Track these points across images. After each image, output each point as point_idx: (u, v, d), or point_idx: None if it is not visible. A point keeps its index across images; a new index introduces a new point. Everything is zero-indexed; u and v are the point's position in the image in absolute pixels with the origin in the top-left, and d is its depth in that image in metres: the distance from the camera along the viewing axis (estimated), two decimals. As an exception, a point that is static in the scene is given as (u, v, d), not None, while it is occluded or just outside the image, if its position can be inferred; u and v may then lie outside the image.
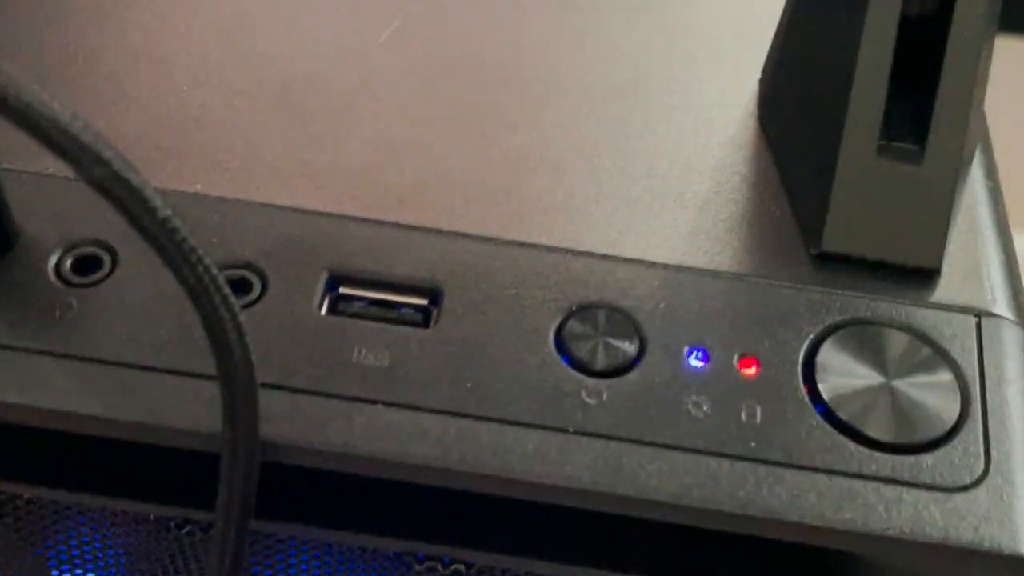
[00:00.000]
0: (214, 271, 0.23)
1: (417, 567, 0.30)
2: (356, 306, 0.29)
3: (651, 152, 0.33)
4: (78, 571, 0.32)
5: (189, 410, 0.27)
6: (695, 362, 0.28)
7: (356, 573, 0.31)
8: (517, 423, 0.27)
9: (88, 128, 0.22)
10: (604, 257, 0.30)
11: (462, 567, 0.30)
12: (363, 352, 0.28)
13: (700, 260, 0.31)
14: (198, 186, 0.31)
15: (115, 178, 0.22)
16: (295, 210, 0.31)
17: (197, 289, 0.23)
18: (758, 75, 0.36)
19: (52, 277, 0.29)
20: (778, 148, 0.34)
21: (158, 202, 0.22)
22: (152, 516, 0.30)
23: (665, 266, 0.30)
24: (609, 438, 0.27)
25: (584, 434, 0.27)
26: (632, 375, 0.28)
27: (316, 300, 0.29)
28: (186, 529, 0.30)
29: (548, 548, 0.30)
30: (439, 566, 0.30)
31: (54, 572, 0.32)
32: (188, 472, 0.30)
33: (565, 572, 0.30)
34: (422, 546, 0.30)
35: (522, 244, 0.30)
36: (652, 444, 0.27)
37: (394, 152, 0.32)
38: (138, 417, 0.26)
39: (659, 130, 0.34)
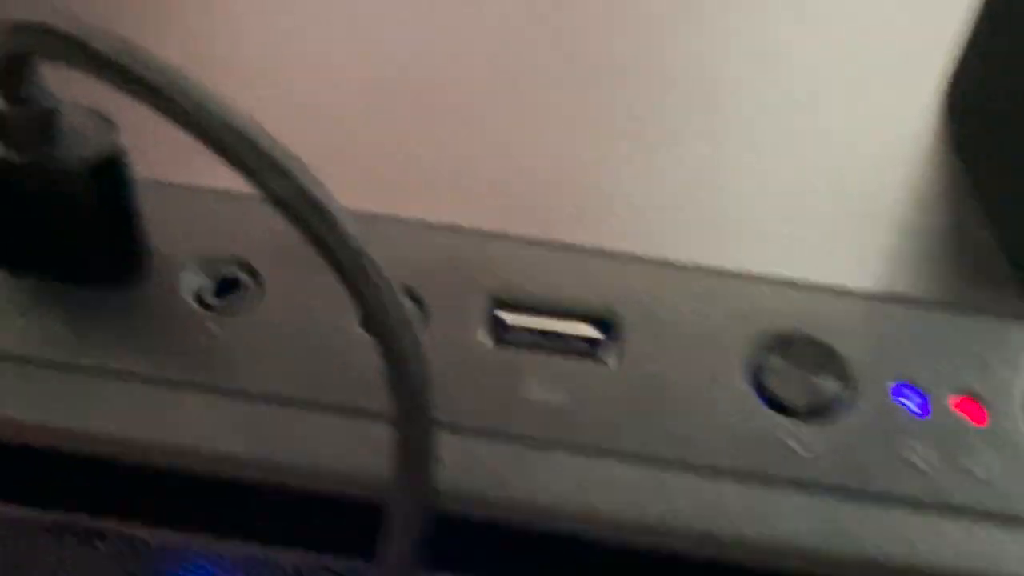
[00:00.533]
0: (404, 305, 0.20)
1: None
2: (523, 336, 0.26)
3: (836, 168, 0.30)
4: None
5: (350, 451, 0.24)
6: (909, 403, 0.25)
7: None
8: (717, 471, 0.24)
9: (270, 138, 0.19)
10: (796, 283, 0.27)
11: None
12: (536, 388, 0.25)
13: (902, 286, 0.28)
14: (343, 201, 0.28)
15: (300, 194, 0.19)
16: (450, 228, 0.28)
17: (384, 325, 0.20)
18: (941, 83, 0.33)
19: (190, 300, 0.26)
20: (975, 168, 0.30)
21: (349, 226, 0.19)
22: (294, 567, 0.27)
23: (865, 294, 0.27)
24: (822, 491, 0.24)
25: (794, 485, 0.24)
26: (839, 417, 0.25)
27: (479, 329, 0.26)
28: (327, 580, 0.27)
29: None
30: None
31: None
32: (324, 519, 0.27)
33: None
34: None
35: (702, 268, 0.27)
36: (872, 499, 0.24)
37: (554, 166, 0.29)
38: (292, 459, 0.24)
39: (843, 143, 0.31)
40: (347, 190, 0.29)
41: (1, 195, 0.24)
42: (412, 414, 0.21)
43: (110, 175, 0.24)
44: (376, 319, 0.20)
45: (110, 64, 0.20)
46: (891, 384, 0.25)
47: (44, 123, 0.23)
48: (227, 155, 0.19)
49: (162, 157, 0.28)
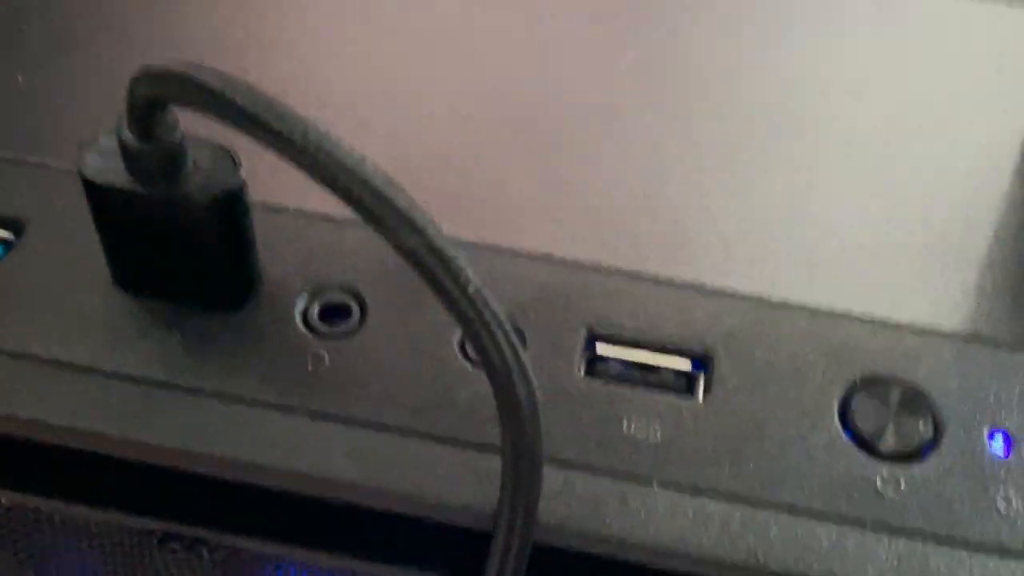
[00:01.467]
0: (519, 350, 0.21)
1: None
2: (619, 369, 0.27)
3: (925, 203, 0.30)
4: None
5: (455, 481, 0.25)
6: (998, 451, 0.26)
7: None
8: (808, 512, 0.25)
9: (399, 190, 0.20)
10: (887, 323, 0.28)
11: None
12: (632, 424, 0.26)
13: (993, 329, 0.28)
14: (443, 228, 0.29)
15: (429, 248, 0.20)
16: (546, 259, 0.28)
17: (501, 369, 0.21)
18: (1029, 118, 0.33)
19: (301, 326, 0.27)
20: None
21: (471, 275, 0.20)
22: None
23: (956, 335, 0.27)
24: (911, 535, 0.24)
25: (883, 529, 0.24)
26: (929, 461, 0.25)
27: (577, 361, 0.27)
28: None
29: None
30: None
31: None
32: (426, 545, 0.28)
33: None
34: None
35: (796, 306, 0.28)
36: (962, 545, 0.24)
37: (647, 196, 0.30)
38: (403, 487, 0.25)
39: (929, 177, 0.31)
40: (445, 220, 0.30)
41: (128, 223, 0.25)
42: (522, 450, 0.22)
43: (231, 209, 0.25)
44: (496, 367, 0.21)
45: (246, 115, 0.21)
46: (985, 430, 0.26)
47: (172, 159, 0.24)
48: (362, 210, 0.20)
49: (277, 181, 0.30)
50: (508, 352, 0.21)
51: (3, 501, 0.29)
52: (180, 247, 0.25)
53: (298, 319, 0.27)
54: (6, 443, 0.28)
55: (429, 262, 0.20)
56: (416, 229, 0.20)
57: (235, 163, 0.25)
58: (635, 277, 0.28)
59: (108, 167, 0.24)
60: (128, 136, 0.23)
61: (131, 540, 0.29)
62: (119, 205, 0.24)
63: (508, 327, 0.21)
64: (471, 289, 0.20)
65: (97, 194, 0.24)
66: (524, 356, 0.21)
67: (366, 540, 0.28)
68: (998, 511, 0.25)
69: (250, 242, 0.26)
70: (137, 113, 0.23)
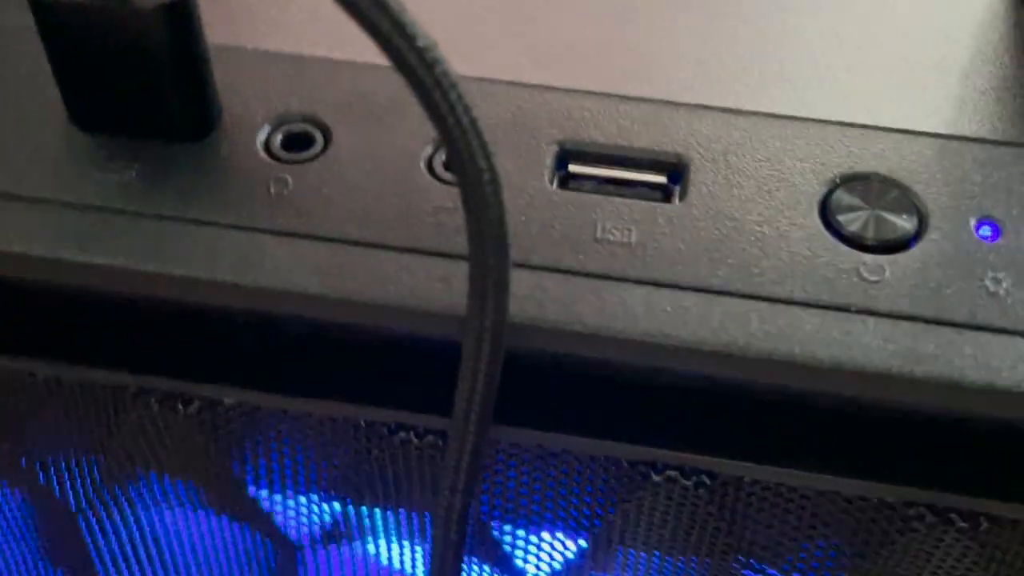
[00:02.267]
0: (478, 120, 0.20)
1: (655, 477, 0.27)
2: (591, 184, 0.26)
3: (902, 18, 0.30)
4: (276, 484, 0.30)
5: (425, 289, 0.24)
6: (985, 236, 0.25)
7: (588, 484, 0.28)
8: (790, 301, 0.24)
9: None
10: (866, 127, 0.27)
11: (706, 478, 0.27)
12: (606, 228, 0.25)
13: (974, 129, 0.27)
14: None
15: (399, 28, 0.19)
16: (516, 84, 0.28)
17: (455, 133, 0.20)
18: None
19: (262, 154, 0.26)
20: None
21: (419, 29, 0.20)
22: (361, 421, 0.28)
23: (936, 135, 0.27)
24: (898, 318, 0.24)
25: (869, 313, 0.24)
26: (915, 250, 0.25)
27: (548, 177, 0.26)
28: (400, 436, 0.28)
29: (802, 455, 0.27)
30: (680, 477, 0.27)
31: (250, 484, 0.30)
32: (403, 373, 0.27)
33: (819, 482, 0.27)
34: (660, 453, 0.27)
35: (769, 115, 0.27)
36: (950, 324, 0.23)
37: (615, 25, 0.29)
38: (375, 296, 0.24)
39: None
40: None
41: (80, 45, 0.25)
42: (488, 238, 0.22)
43: (181, 19, 0.24)
44: (459, 150, 0.20)
45: None
46: (970, 220, 0.25)
47: (116, -34, 0.23)
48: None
49: (235, 25, 0.29)
50: (468, 124, 0.20)
51: (-27, 366, 0.28)
52: (133, 70, 0.25)
53: (260, 147, 0.26)
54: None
55: (397, 42, 0.19)
56: (385, 7, 0.19)
57: (183, -26, 0.24)
58: (605, 96, 0.27)
59: (54, -19, 0.24)
60: (71, -58, 0.23)
61: (105, 398, 0.28)
62: (67, 22, 0.24)
63: (464, 92, 0.20)
64: (422, 43, 0.19)
65: (45, 13, 0.24)
66: (492, 145, 0.21)
67: (343, 383, 0.27)
68: (987, 291, 0.24)
69: (204, 62, 0.25)
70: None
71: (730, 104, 0.27)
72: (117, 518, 0.32)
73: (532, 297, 0.24)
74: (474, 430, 0.24)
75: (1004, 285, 0.24)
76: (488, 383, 0.24)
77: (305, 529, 0.32)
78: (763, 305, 0.24)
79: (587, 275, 0.24)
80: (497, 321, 0.23)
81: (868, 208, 0.25)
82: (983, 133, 0.27)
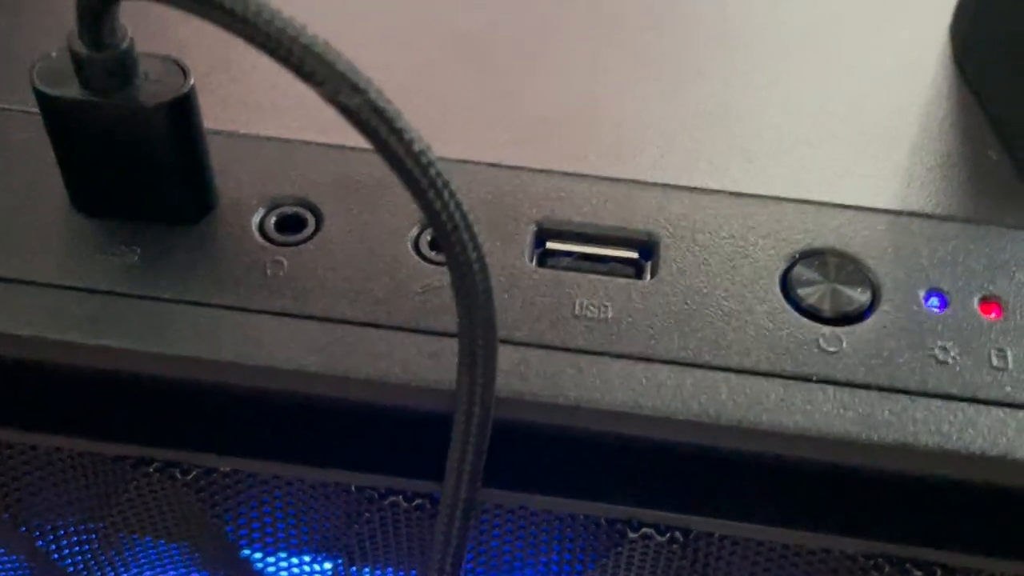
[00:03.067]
0: (468, 213, 0.22)
1: (632, 535, 0.29)
2: (568, 261, 0.28)
3: (855, 95, 0.32)
4: (269, 547, 0.31)
5: (416, 365, 0.25)
6: (934, 307, 0.27)
7: (569, 541, 0.30)
8: (755, 372, 0.26)
9: (339, 54, 0.21)
10: (822, 204, 0.29)
11: (679, 534, 0.29)
12: (583, 305, 0.27)
13: (922, 205, 0.29)
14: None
15: (371, 107, 0.21)
16: (493, 165, 0.29)
17: (448, 230, 0.22)
18: (949, 14, 0.34)
19: (257, 236, 0.28)
20: (983, 90, 0.32)
21: (414, 135, 0.21)
22: (353, 487, 0.29)
23: (887, 211, 0.29)
24: (855, 386, 0.25)
25: (829, 383, 0.26)
26: (869, 322, 0.27)
27: (527, 255, 0.28)
28: (390, 499, 0.29)
29: (769, 512, 0.28)
30: (655, 533, 0.29)
31: (243, 547, 0.31)
32: (393, 440, 0.28)
33: (785, 536, 0.28)
34: (637, 512, 0.29)
35: (733, 193, 0.29)
36: (904, 391, 0.25)
37: (585, 104, 0.31)
38: (365, 374, 0.25)
39: (856, 72, 0.32)
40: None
41: (83, 137, 0.26)
42: (477, 320, 0.23)
43: (183, 114, 0.26)
44: (446, 229, 0.22)
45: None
46: (919, 292, 0.27)
47: (123, 67, 0.25)
48: (304, 73, 0.21)
49: (229, 112, 0.30)
50: (459, 217, 0.22)
51: (-25, 438, 0.29)
52: (135, 159, 0.26)
53: (255, 230, 0.28)
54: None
55: (376, 124, 0.21)
56: (358, 89, 0.21)
57: (185, 73, 0.26)
58: (579, 177, 0.29)
59: (61, 80, 0.25)
60: (79, 45, 0.24)
61: (105, 467, 0.29)
62: (73, 116, 0.25)
63: (453, 185, 0.22)
64: (416, 147, 0.21)
65: (51, 106, 0.25)
66: (476, 228, 0.22)
67: (336, 450, 0.29)
68: (936, 359, 0.26)
69: (203, 151, 0.27)
70: (86, 19, 0.23)
71: (696, 183, 0.29)
72: (113, 581, 0.33)
73: (516, 371, 0.26)
74: (464, 493, 0.26)
75: (952, 354, 0.26)
76: (477, 451, 0.25)
77: (297, 589, 0.33)
78: (731, 376, 0.26)
79: (567, 350, 0.26)
80: (486, 393, 0.24)
81: (825, 282, 0.27)
82: (930, 208, 0.29)
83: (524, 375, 0.26)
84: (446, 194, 0.22)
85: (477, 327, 0.23)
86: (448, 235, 0.22)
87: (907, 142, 0.31)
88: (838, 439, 0.25)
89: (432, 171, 0.21)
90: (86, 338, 0.25)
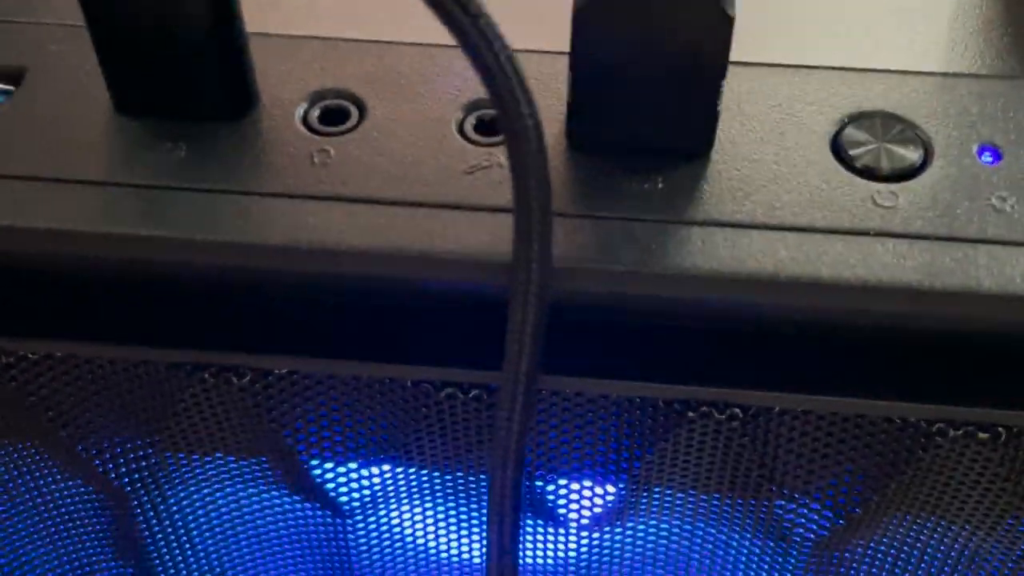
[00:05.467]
0: (520, 67, 0.22)
1: (691, 415, 0.29)
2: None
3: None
4: (327, 451, 0.31)
5: (469, 241, 0.25)
6: (987, 161, 0.27)
7: (626, 426, 0.29)
8: (812, 230, 0.25)
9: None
10: (867, 70, 0.28)
11: (738, 411, 0.29)
12: (635, 179, 0.27)
13: (967, 66, 0.29)
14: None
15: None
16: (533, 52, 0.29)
17: (501, 84, 0.22)
18: None
19: (302, 128, 0.27)
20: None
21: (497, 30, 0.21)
22: (408, 382, 0.29)
23: (933, 73, 0.28)
24: (914, 237, 0.25)
25: (887, 235, 0.25)
26: (923, 177, 0.26)
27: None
28: (446, 391, 0.29)
29: (828, 383, 0.28)
30: (714, 412, 0.29)
31: (300, 451, 0.31)
32: (443, 334, 0.28)
33: (845, 407, 0.28)
34: (695, 391, 0.28)
35: (776, 65, 0.29)
36: (964, 240, 0.25)
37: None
38: (422, 248, 0.25)
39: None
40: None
41: (122, 30, 0.26)
42: (532, 184, 0.23)
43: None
44: (505, 99, 0.21)
45: None
46: (972, 147, 0.27)
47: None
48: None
49: (265, 14, 0.30)
50: (514, 76, 0.21)
51: (30, 354, 0.29)
52: (175, 50, 0.26)
53: (299, 123, 0.28)
54: (28, 288, 0.28)
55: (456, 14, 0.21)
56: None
57: (223, -42, 0.25)
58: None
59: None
60: (118, -68, 0.24)
61: (160, 377, 0.29)
62: (114, 10, 0.25)
63: (523, 76, 0.22)
64: (490, 32, 0.21)
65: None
66: (532, 94, 0.22)
67: (390, 344, 0.29)
68: (994, 208, 0.26)
69: (244, 41, 0.27)
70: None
71: (738, 57, 0.29)
72: (171, 501, 0.33)
73: (571, 241, 0.25)
74: (526, 370, 0.26)
75: (1009, 203, 0.26)
76: (537, 322, 0.25)
77: (356, 495, 0.33)
78: (788, 235, 0.25)
79: (621, 218, 0.26)
80: (544, 257, 0.24)
81: (876, 142, 0.27)
82: (975, 69, 0.29)
83: (579, 245, 0.25)
84: (502, 55, 0.21)
85: (532, 186, 0.23)
86: (502, 90, 0.22)
87: (948, 8, 0.30)
88: (900, 288, 0.24)
89: (487, 28, 0.21)
90: (138, 229, 0.25)
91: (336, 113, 0.28)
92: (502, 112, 0.22)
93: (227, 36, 0.26)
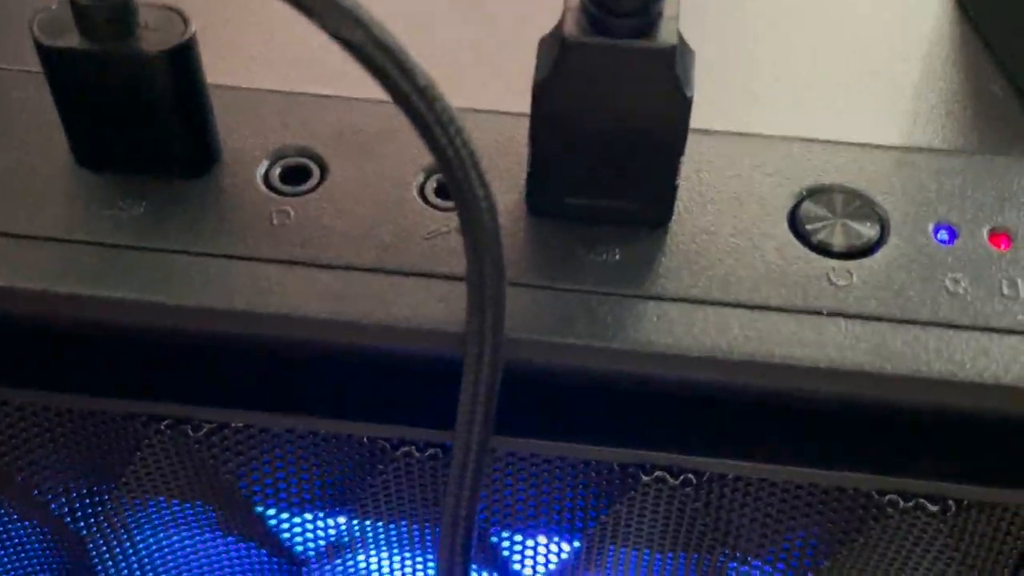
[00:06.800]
0: (473, 147, 0.22)
1: (645, 478, 0.29)
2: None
3: (858, 39, 0.32)
4: (283, 503, 0.31)
5: (425, 309, 0.25)
6: (943, 240, 0.27)
7: (582, 487, 0.30)
8: (766, 307, 0.26)
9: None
10: (828, 142, 0.29)
11: (692, 476, 0.29)
12: (592, 250, 0.27)
13: (928, 140, 0.29)
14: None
15: (375, 42, 0.21)
16: (497, 112, 0.29)
17: (455, 164, 0.22)
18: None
19: (263, 187, 0.27)
20: (986, 27, 0.32)
21: (418, 69, 0.21)
22: (365, 438, 0.29)
23: (893, 147, 0.29)
24: (867, 318, 0.25)
25: (840, 315, 0.25)
26: (878, 255, 0.27)
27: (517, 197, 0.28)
28: (402, 450, 0.29)
29: (782, 452, 0.28)
30: (668, 476, 0.29)
31: (257, 504, 0.31)
32: (403, 392, 0.28)
33: (799, 476, 0.28)
34: (649, 456, 0.29)
35: (737, 133, 0.29)
36: (916, 322, 0.25)
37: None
38: (378, 318, 0.25)
39: (857, 12, 0.32)
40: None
41: (86, 89, 0.26)
42: (486, 257, 0.23)
43: (184, 62, 0.25)
44: (453, 165, 0.21)
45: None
46: (928, 225, 0.27)
47: (122, 14, 0.25)
48: (304, 7, 0.20)
49: (228, 65, 0.30)
50: (466, 153, 0.21)
51: (-14, 400, 0.29)
52: (138, 110, 0.26)
53: (260, 182, 0.28)
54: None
55: (376, 57, 0.21)
56: (361, 23, 0.20)
57: (185, 21, 0.25)
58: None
59: (62, 31, 0.25)
60: (78, -6, 0.24)
61: (117, 426, 0.29)
62: (75, 68, 0.25)
63: (476, 155, 0.22)
64: (421, 82, 0.21)
65: (52, 59, 0.25)
66: (475, 149, 0.22)
67: (348, 402, 0.29)
68: (947, 290, 0.26)
69: (206, 101, 0.27)
70: (85, -33, 0.23)
71: (700, 125, 0.29)
72: (127, 544, 0.33)
73: (526, 312, 0.26)
74: (477, 438, 0.26)
75: (962, 284, 0.26)
76: (489, 392, 0.25)
77: (311, 544, 0.33)
78: (742, 312, 0.26)
79: (577, 292, 0.26)
80: (496, 332, 0.24)
81: (834, 217, 0.27)
82: (936, 143, 0.29)
83: (534, 315, 0.25)
84: (452, 129, 0.21)
85: (486, 264, 0.23)
86: (455, 171, 0.22)
87: (910, 81, 0.31)
88: (851, 370, 0.25)
89: (439, 106, 0.21)
90: (94, 290, 0.25)
91: (297, 172, 0.28)
92: (455, 191, 0.22)
93: (190, 97, 0.26)
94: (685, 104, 0.24)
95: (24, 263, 0.26)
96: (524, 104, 0.29)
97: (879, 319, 0.25)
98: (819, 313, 0.25)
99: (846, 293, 0.26)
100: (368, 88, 0.30)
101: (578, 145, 0.26)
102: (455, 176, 0.22)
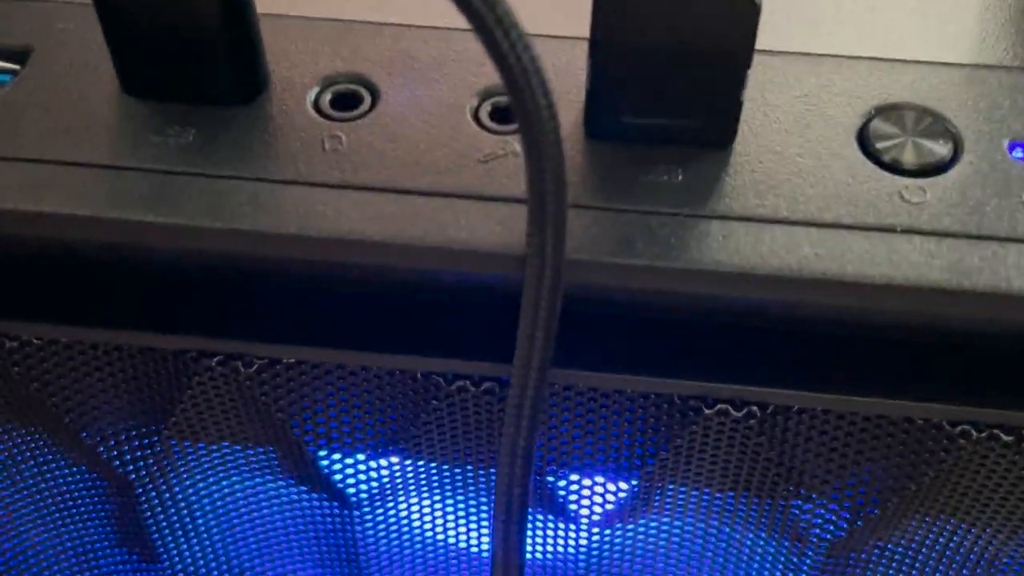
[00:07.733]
0: (535, 54, 0.21)
1: (707, 411, 0.28)
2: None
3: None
4: (335, 442, 0.31)
5: (483, 232, 0.25)
6: (1018, 157, 0.26)
7: (640, 423, 0.29)
8: (837, 225, 0.25)
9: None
10: (896, 60, 0.28)
11: (756, 409, 0.28)
12: (654, 171, 0.26)
13: (998, 58, 0.28)
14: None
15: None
16: (551, 37, 0.28)
17: (516, 71, 0.21)
18: None
19: (313, 113, 0.27)
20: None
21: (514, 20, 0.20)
22: (419, 373, 0.28)
23: (963, 64, 0.28)
24: (942, 235, 0.24)
25: (915, 232, 0.24)
26: (952, 173, 0.26)
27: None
28: (457, 384, 0.28)
29: (849, 382, 0.27)
30: (731, 409, 0.28)
31: (308, 442, 0.31)
32: (456, 325, 0.28)
33: (866, 407, 0.27)
34: (712, 388, 0.28)
35: (802, 54, 0.28)
36: (992, 238, 0.24)
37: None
38: (435, 240, 0.24)
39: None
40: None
41: (132, 18, 0.25)
42: (547, 173, 0.22)
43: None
44: (521, 89, 0.21)
45: None
46: (1003, 142, 0.26)
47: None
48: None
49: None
50: (530, 65, 0.21)
51: (35, 339, 0.29)
52: (186, 36, 0.25)
53: (310, 107, 0.27)
54: (34, 272, 0.28)
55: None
56: None
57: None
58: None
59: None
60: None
61: (166, 363, 0.29)
62: (123, -9, 0.25)
63: (539, 63, 0.21)
64: (507, 20, 0.20)
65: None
66: (548, 83, 0.21)
67: (401, 335, 0.28)
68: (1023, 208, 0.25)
69: (254, 26, 0.26)
70: None
71: (763, 46, 0.28)
72: (176, 488, 0.33)
73: (586, 234, 0.25)
74: (537, 364, 0.25)
75: (1040, 199, 0.25)
76: (549, 316, 0.24)
77: (364, 487, 0.32)
78: (812, 230, 0.25)
79: (639, 212, 0.25)
80: (557, 255, 0.23)
81: (904, 135, 0.26)
82: (1006, 61, 0.28)
83: (594, 238, 0.25)
84: (517, 42, 0.21)
85: (548, 180, 0.22)
86: (517, 78, 0.21)
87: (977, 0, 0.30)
88: (927, 288, 0.24)
89: (500, 8, 0.20)
90: (144, 216, 0.25)
91: (348, 98, 0.27)
92: (517, 101, 0.21)
93: (237, 20, 0.26)
94: (754, 11, 0.23)
95: (73, 190, 0.25)
96: (581, 28, 0.29)
97: (955, 236, 0.24)
98: (892, 230, 0.25)
99: (920, 210, 0.25)
100: (420, 14, 0.29)
101: (640, 61, 0.25)
102: (517, 84, 0.21)
